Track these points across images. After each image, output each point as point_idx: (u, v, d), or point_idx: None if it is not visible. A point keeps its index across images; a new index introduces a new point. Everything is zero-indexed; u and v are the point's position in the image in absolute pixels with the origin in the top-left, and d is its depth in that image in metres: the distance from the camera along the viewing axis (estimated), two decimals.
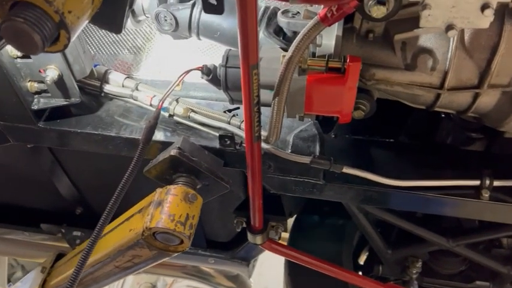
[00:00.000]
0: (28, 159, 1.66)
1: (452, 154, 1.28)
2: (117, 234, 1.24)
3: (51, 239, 2.07)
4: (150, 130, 1.05)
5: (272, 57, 1.02)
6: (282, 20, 1.08)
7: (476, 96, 1.03)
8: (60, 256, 1.83)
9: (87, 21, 0.75)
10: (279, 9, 1.13)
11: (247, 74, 0.90)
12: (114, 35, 1.47)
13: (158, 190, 1.15)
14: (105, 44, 1.46)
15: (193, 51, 1.43)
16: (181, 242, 1.12)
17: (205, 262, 1.98)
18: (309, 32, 0.90)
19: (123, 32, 1.45)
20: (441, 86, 1.02)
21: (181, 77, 1.11)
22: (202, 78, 1.12)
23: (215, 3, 0.84)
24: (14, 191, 1.93)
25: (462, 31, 0.97)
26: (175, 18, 1.17)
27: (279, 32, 1.16)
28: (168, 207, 1.09)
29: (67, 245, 1.99)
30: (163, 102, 1.10)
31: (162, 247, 1.15)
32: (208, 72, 1.10)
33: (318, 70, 0.99)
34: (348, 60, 0.96)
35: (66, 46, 0.72)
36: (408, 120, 1.33)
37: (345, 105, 1.02)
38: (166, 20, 1.18)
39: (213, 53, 1.42)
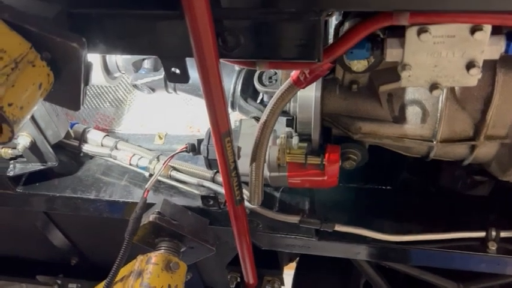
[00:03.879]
0: (19, 215, 1.61)
1: (455, 200, 1.19)
2: None
3: None
4: (136, 221, 1.00)
5: (251, 135, 0.95)
6: (259, 88, 1.03)
7: (473, 148, 0.95)
8: None
9: (35, 107, 0.70)
10: None
11: (219, 142, 0.83)
12: (95, 88, 1.42)
13: (139, 258, 1.08)
14: (87, 97, 1.42)
15: (176, 102, 1.37)
16: None
17: None
18: (282, 95, 0.84)
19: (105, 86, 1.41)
20: (433, 138, 0.94)
21: (166, 162, 1.10)
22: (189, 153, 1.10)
23: (178, 72, 0.78)
24: (9, 243, 1.88)
25: None
26: (151, 88, 1.18)
27: (257, 93, 1.11)
28: (149, 278, 1.03)
29: None
30: (148, 192, 1.05)
31: None
32: (193, 149, 1.09)
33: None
34: (326, 159, 0.95)
35: (11, 138, 0.66)
36: (406, 166, 1.24)
37: (328, 185, 1.00)
38: (143, 88, 1.18)
39: (196, 102, 1.35)
